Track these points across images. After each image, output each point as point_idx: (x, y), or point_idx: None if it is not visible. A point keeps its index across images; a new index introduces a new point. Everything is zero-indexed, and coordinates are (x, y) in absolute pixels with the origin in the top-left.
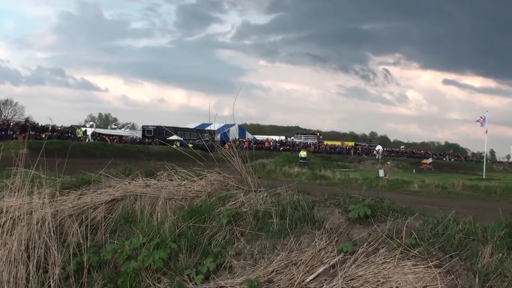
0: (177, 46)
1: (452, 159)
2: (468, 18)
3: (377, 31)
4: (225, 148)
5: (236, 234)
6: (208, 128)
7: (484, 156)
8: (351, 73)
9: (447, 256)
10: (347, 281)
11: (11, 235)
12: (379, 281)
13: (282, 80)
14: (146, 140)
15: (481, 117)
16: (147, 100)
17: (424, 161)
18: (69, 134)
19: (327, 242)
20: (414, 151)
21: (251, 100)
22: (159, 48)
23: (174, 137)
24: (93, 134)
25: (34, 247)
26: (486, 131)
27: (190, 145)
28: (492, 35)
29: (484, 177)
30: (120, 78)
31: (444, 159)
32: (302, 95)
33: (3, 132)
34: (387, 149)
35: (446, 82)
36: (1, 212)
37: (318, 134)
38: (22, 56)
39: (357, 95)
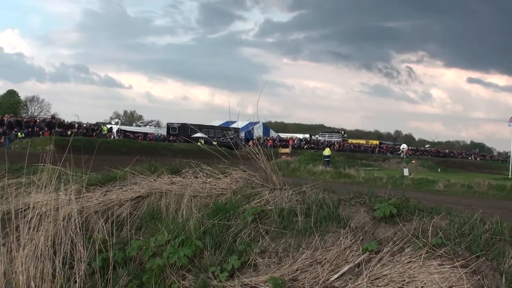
0: (200, 43)
1: (478, 159)
2: (491, 15)
3: (400, 29)
4: (249, 146)
5: (261, 232)
6: (233, 126)
7: (510, 155)
8: (374, 71)
9: (474, 256)
10: (372, 280)
11: (37, 231)
12: (404, 280)
13: (305, 78)
14: (171, 137)
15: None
16: (170, 97)
17: (283, 150)
18: (97, 131)
19: (352, 241)
20: (439, 150)
21: (274, 97)
22: (182, 46)
23: (199, 134)
24: (118, 131)
25: (61, 243)
26: None
27: (215, 143)
28: None
29: (510, 176)
30: (144, 75)
31: (469, 158)
32: (326, 93)
33: (30, 129)
34: (412, 147)
35: (470, 80)
36: (28, 208)
37: (342, 132)
38: (46, 53)
39: (380, 93)
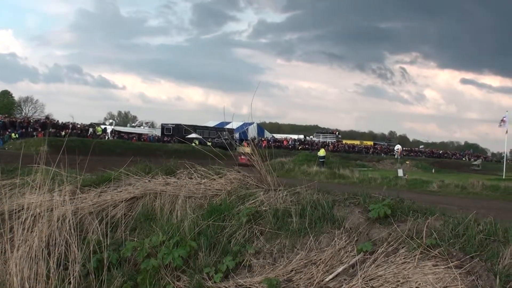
0: (193, 44)
1: (472, 159)
2: (485, 17)
3: (394, 30)
4: (244, 147)
5: (255, 233)
6: (227, 126)
7: (504, 156)
8: (368, 72)
9: (468, 256)
10: (367, 281)
11: (32, 232)
12: (399, 281)
13: (299, 78)
14: (165, 138)
15: (503, 118)
16: (164, 98)
17: (244, 149)
18: (92, 132)
19: (347, 242)
20: (433, 150)
21: (269, 98)
22: (176, 46)
23: (193, 135)
24: (113, 131)
25: (55, 244)
26: (507, 131)
27: (209, 144)
28: (510, 34)
29: (504, 177)
30: (138, 76)
31: (463, 159)
32: (320, 94)
33: (24, 130)
34: (406, 148)
35: (464, 81)
36: (22, 209)
37: (337, 133)
38: (40, 53)
39: (374, 94)
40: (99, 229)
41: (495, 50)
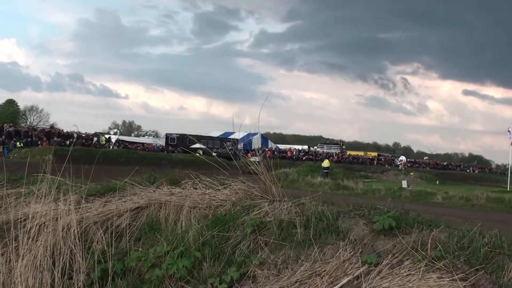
0: (195, 53)
1: (476, 171)
2: (486, 28)
3: (395, 40)
4: (248, 157)
5: (260, 244)
6: (232, 136)
7: (508, 168)
8: (370, 82)
9: (473, 269)
10: None
11: (36, 241)
12: None
13: (301, 89)
14: (170, 148)
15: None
16: (167, 108)
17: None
18: (97, 141)
19: (351, 253)
20: (437, 162)
21: (271, 108)
22: (177, 56)
23: (198, 145)
24: (117, 141)
25: (60, 253)
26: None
27: (214, 154)
28: (511, 46)
29: (508, 189)
30: (140, 85)
31: (468, 170)
32: (322, 104)
33: (28, 138)
34: (411, 159)
35: (466, 92)
36: (27, 218)
37: (341, 144)
38: (41, 62)
39: (377, 104)
40: (103, 238)
41: (496, 61)
